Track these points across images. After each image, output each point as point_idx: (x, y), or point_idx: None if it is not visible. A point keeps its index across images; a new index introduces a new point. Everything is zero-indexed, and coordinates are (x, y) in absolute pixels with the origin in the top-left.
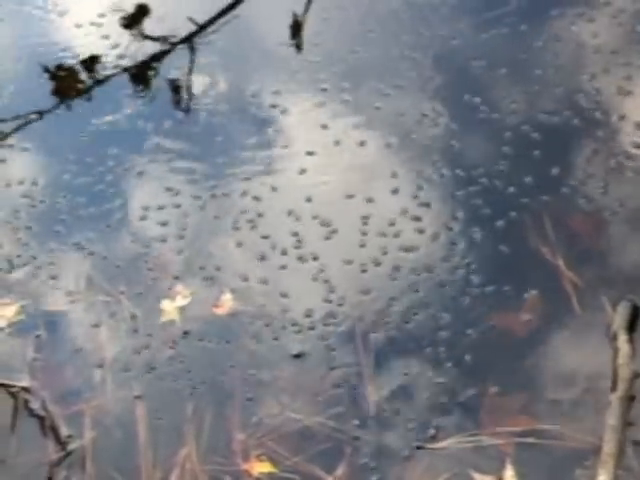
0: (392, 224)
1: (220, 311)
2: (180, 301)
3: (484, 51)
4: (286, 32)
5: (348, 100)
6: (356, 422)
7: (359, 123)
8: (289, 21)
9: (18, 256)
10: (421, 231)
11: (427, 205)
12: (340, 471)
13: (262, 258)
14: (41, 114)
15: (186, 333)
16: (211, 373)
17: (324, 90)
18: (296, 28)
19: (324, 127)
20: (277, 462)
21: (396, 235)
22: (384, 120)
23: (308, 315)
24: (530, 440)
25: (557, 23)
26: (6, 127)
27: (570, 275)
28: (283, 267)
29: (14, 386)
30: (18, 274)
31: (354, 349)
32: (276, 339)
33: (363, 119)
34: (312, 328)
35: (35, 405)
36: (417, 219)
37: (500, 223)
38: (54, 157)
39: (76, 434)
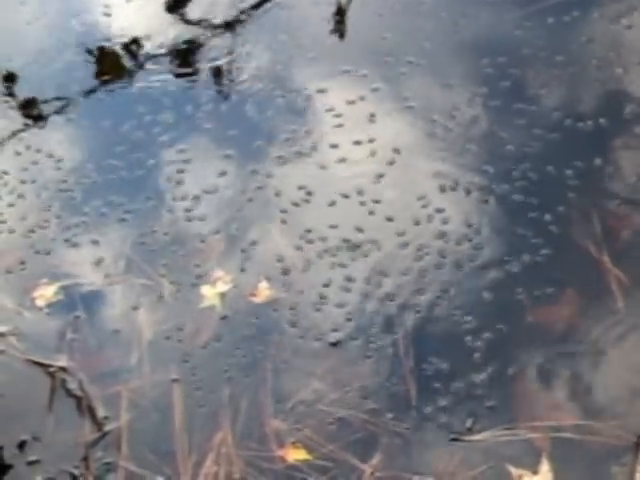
0: (437, 214)
1: (258, 298)
2: (221, 287)
3: (533, 42)
4: (329, 18)
5: (390, 87)
6: (393, 412)
7: (401, 110)
8: (332, 7)
9: (57, 237)
10: (465, 224)
11: (470, 198)
12: (375, 460)
13: (301, 245)
14: (83, 96)
15: (224, 318)
16: (248, 359)
17: (364, 76)
18: (339, 14)
19: (366, 114)
20: (312, 449)
21: (439, 227)
22: (426, 108)
23: (346, 304)
24: (567, 435)
25: (600, 16)
26: (48, 108)
27: (615, 271)
28: (322, 255)
29: (52, 366)
30: (57, 254)
31: (392, 339)
32: (314, 327)
33: (406, 107)
34: (350, 318)
35: (72, 385)
36: (461, 212)
37: (547, 217)
38: (95, 138)
39: (112, 415)
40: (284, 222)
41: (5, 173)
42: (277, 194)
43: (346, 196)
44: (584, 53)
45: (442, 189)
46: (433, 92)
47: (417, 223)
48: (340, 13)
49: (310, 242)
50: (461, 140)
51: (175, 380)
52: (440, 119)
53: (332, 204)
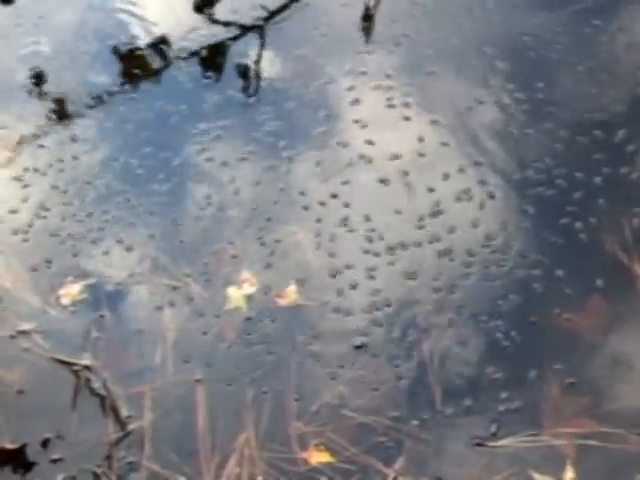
0: (465, 215)
1: (284, 300)
2: (247, 289)
3: (564, 47)
4: (356, 19)
5: (418, 89)
6: (417, 416)
7: (428, 109)
8: (360, 8)
9: (83, 236)
10: (493, 228)
11: (498, 201)
12: (398, 464)
13: (329, 248)
14: (110, 94)
15: (249, 320)
16: (272, 361)
17: (389, 76)
18: (367, 15)
19: (394, 115)
20: (335, 452)
21: (468, 232)
22: (452, 107)
23: (372, 308)
24: (592, 442)
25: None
26: (75, 106)
27: None
28: (350, 257)
29: (76, 364)
30: (83, 253)
31: (418, 342)
32: (339, 329)
33: (432, 106)
34: (375, 322)
35: (96, 384)
36: (488, 216)
37: (578, 225)
38: (122, 136)
39: (136, 415)
40: (314, 224)
41: (34, 170)
42: (302, 193)
43: (375, 196)
44: (617, 58)
45: (469, 192)
46: (459, 94)
47: (452, 231)
48: (368, 14)
49: (338, 244)
50: (488, 144)
51: (199, 380)
52: (467, 121)
53: (361, 204)
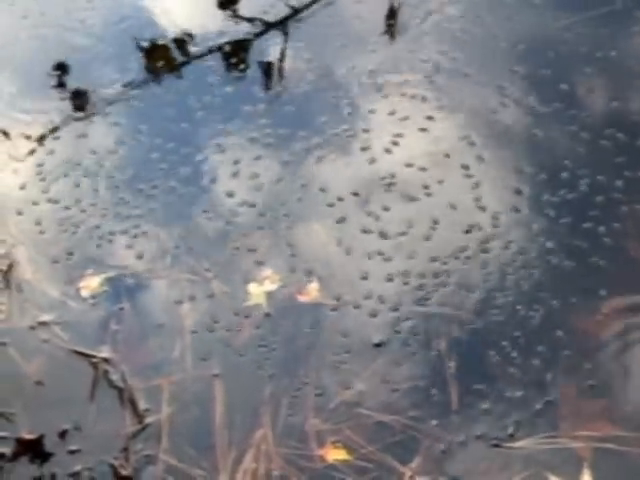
0: (487, 218)
1: (304, 297)
2: (268, 285)
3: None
4: (381, 18)
5: (441, 87)
6: (434, 415)
7: (451, 109)
8: (384, 6)
9: (104, 229)
10: (514, 230)
11: (525, 204)
12: (415, 463)
13: (350, 245)
14: (133, 88)
15: (268, 316)
16: (291, 358)
17: (413, 75)
18: (392, 12)
19: (418, 113)
20: (352, 450)
21: (489, 233)
22: (475, 108)
23: (392, 306)
24: (609, 446)
25: None
26: (98, 99)
27: None
28: (372, 256)
29: (95, 356)
30: (104, 246)
31: (437, 342)
32: (359, 327)
33: (455, 106)
34: (395, 320)
35: (114, 377)
36: (509, 218)
37: (601, 229)
38: (144, 131)
39: (153, 408)
40: (336, 222)
41: (56, 162)
42: (324, 190)
43: (397, 195)
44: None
45: (493, 194)
46: (482, 95)
47: (468, 230)
48: (392, 10)
49: (359, 242)
50: (510, 146)
51: (217, 375)
52: (490, 122)
53: (384, 203)
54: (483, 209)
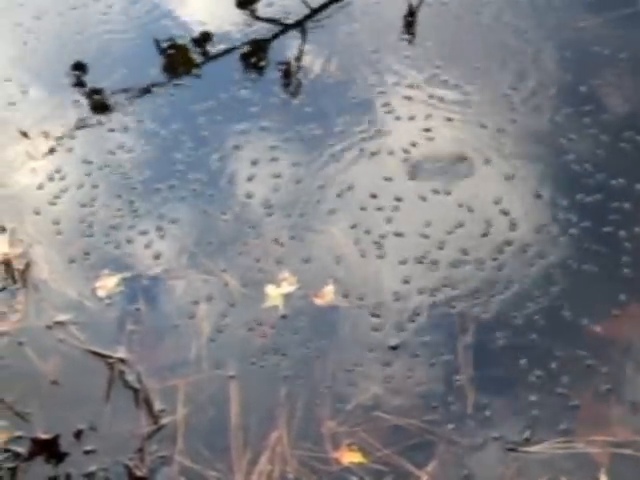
0: (507, 221)
1: (321, 300)
2: (286, 288)
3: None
4: (401, 15)
5: (460, 87)
6: (450, 419)
7: (472, 108)
8: (403, 6)
9: (121, 229)
10: (534, 233)
11: (540, 207)
12: (430, 467)
13: (368, 249)
14: (151, 88)
15: (284, 318)
16: (307, 360)
17: (434, 73)
18: (411, 11)
19: (437, 112)
20: (368, 453)
21: (508, 237)
22: (496, 109)
23: (409, 310)
24: (627, 451)
25: None
26: (116, 98)
27: None
28: (390, 260)
29: (111, 357)
30: (120, 247)
31: (453, 344)
32: (374, 329)
33: (477, 106)
34: (411, 324)
35: (130, 377)
36: (530, 221)
37: (621, 233)
38: (162, 131)
39: (169, 409)
40: (353, 224)
41: (75, 162)
42: (343, 193)
43: (420, 197)
44: None
45: (511, 197)
46: (500, 96)
47: (487, 234)
48: (411, 13)
49: (376, 245)
50: (531, 148)
51: (232, 377)
52: (509, 123)
53: (401, 205)
54: (503, 212)
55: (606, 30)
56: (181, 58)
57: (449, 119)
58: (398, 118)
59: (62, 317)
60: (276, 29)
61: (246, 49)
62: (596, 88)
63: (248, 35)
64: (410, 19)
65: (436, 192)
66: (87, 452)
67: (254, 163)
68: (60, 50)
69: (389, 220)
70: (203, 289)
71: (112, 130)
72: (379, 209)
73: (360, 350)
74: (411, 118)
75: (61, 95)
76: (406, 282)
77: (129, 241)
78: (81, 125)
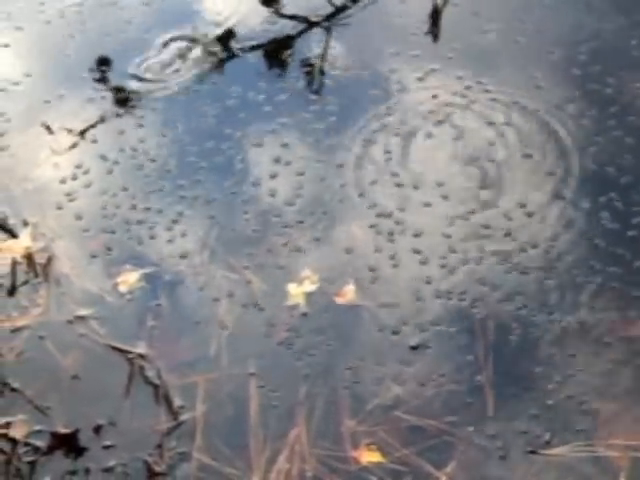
0: (529, 223)
1: (342, 299)
2: (307, 286)
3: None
4: (424, 15)
5: (483, 85)
6: (470, 420)
7: (493, 111)
8: (428, 5)
9: (143, 225)
10: (554, 236)
11: (568, 209)
12: (450, 468)
13: (391, 249)
14: (174, 84)
15: (305, 315)
16: (327, 359)
17: (458, 74)
18: (435, 15)
19: (460, 112)
20: (387, 453)
21: (529, 239)
22: (521, 109)
23: (429, 310)
24: None
25: None
26: (139, 94)
27: None
28: (412, 259)
29: (131, 352)
30: (142, 242)
31: (474, 347)
32: (395, 329)
33: (498, 107)
34: (432, 325)
35: (150, 373)
36: (549, 224)
37: (632, 233)
38: (184, 127)
39: (188, 405)
40: (374, 223)
41: (96, 157)
42: (365, 191)
43: (442, 197)
44: None
45: (535, 197)
46: (527, 93)
47: (507, 234)
48: (435, 12)
49: (397, 244)
50: (552, 150)
51: (252, 374)
52: (529, 122)
53: (426, 206)
54: (527, 213)
55: (632, 32)
56: (205, 54)
57: (465, 119)
58: (423, 116)
59: (83, 312)
60: (300, 27)
61: (270, 46)
62: (623, 90)
63: (272, 32)
64: (435, 17)
65: (457, 191)
66: (106, 447)
67: (276, 161)
68: (84, 45)
69: (412, 220)
70: (224, 286)
71: (135, 126)
72: (401, 210)
73: (380, 350)
74: (436, 117)
75: (85, 90)
76: (428, 282)
77: (151, 237)
78: (104, 120)
